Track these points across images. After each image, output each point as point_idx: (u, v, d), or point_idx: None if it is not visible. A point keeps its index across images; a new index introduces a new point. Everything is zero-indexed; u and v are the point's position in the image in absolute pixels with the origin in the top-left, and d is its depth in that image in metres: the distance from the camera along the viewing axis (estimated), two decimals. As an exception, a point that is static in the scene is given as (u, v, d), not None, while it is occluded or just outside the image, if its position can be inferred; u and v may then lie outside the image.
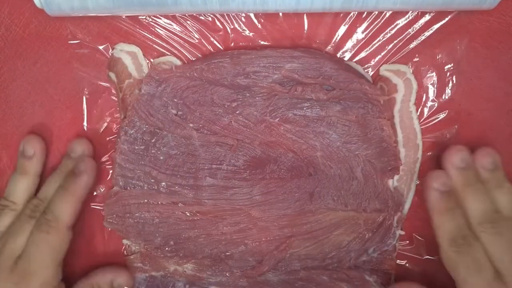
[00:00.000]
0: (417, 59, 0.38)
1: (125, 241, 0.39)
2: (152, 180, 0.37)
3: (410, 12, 0.38)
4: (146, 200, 0.37)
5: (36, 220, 0.34)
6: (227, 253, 0.37)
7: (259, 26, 0.38)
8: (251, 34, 0.38)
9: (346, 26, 0.38)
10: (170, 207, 0.37)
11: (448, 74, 0.38)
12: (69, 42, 0.38)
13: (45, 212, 0.35)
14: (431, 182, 0.34)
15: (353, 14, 0.38)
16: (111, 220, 0.37)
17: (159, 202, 0.37)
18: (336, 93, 0.36)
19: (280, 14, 0.38)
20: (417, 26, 0.38)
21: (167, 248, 0.37)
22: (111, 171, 0.39)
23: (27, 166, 0.37)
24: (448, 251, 0.33)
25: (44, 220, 0.34)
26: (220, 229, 0.37)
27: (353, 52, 0.38)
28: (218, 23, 0.38)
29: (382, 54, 0.38)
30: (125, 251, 0.39)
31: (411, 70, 0.38)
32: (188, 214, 0.37)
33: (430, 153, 0.38)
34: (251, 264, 0.38)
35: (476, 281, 0.32)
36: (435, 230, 0.34)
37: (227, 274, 0.38)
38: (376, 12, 0.38)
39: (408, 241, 0.39)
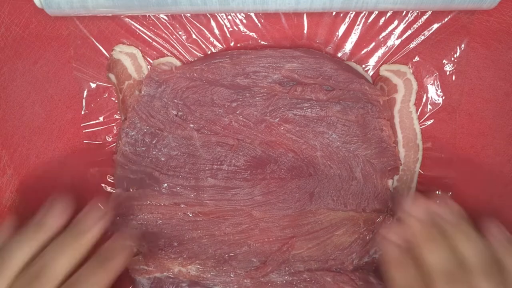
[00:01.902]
0: (417, 59, 0.38)
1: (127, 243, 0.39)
2: (153, 181, 0.37)
3: (410, 12, 0.38)
4: (148, 202, 0.37)
5: None
6: (231, 254, 0.38)
7: (259, 26, 0.38)
8: (251, 34, 0.38)
9: (346, 26, 0.38)
10: (173, 208, 0.37)
11: (448, 74, 0.38)
12: (69, 42, 0.38)
13: (73, 282, 0.31)
14: (387, 234, 0.34)
15: (353, 14, 0.38)
16: (115, 223, 0.37)
17: (162, 203, 0.37)
18: (336, 93, 0.37)
19: (281, 14, 0.38)
20: (417, 26, 0.38)
21: (171, 249, 0.37)
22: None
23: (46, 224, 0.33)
24: None
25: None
26: (223, 230, 0.37)
27: (353, 52, 0.38)
28: (218, 23, 0.38)
29: (382, 54, 0.38)
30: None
31: (411, 70, 0.38)
32: (190, 215, 0.37)
33: (429, 144, 0.38)
34: (255, 264, 0.38)
35: None
36: (390, 282, 0.33)
37: (231, 275, 0.38)
38: (376, 12, 0.38)
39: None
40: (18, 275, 0.31)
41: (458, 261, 0.31)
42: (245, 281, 0.38)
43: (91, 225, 0.33)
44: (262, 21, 0.38)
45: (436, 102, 0.38)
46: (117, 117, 0.39)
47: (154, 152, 0.37)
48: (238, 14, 0.38)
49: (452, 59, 0.38)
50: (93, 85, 0.38)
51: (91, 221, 0.33)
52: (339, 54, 0.38)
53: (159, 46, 0.38)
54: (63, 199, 0.34)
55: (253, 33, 0.38)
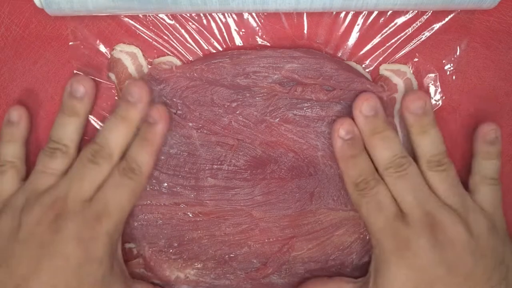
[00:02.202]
0: (417, 59, 0.38)
1: (127, 245, 0.39)
2: (153, 181, 0.37)
3: (410, 11, 0.38)
4: (149, 201, 0.37)
5: (117, 167, 0.34)
6: (231, 255, 0.37)
7: (259, 26, 0.38)
8: (251, 34, 0.38)
9: (346, 26, 0.38)
10: (173, 208, 0.37)
11: (448, 74, 0.38)
12: (69, 42, 0.38)
13: (126, 161, 0.34)
14: (336, 129, 0.35)
15: (353, 14, 0.38)
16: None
17: (162, 203, 0.37)
18: (336, 93, 0.36)
19: (281, 13, 0.38)
20: (417, 26, 0.38)
21: (171, 250, 0.37)
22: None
23: (77, 107, 0.35)
24: (353, 194, 0.35)
25: (128, 168, 0.34)
26: (223, 230, 0.37)
27: (353, 52, 0.38)
28: (218, 22, 0.38)
29: (382, 54, 0.38)
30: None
31: (411, 70, 0.38)
32: (190, 215, 0.37)
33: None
34: (255, 266, 0.38)
35: (376, 220, 0.33)
36: (342, 175, 0.35)
37: (231, 277, 0.38)
38: (376, 12, 0.38)
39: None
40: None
41: (402, 153, 0.34)
42: (245, 283, 0.38)
43: (136, 101, 0.34)
44: (262, 21, 0.38)
45: (436, 102, 0.38)
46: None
47: (153, 150, 0.37)
48: (238, 14, 0.38)
49: (452, 59, 0.38)
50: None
51: (136, 96, 0.34)
52: (339, 54, 0.38)
53: (159, 46, 0.38)
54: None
55: (253, 33, 0.38)
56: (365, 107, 0.34)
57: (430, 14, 0.38)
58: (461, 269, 0.32)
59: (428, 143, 0.34)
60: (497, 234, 0.34)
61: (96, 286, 0.32)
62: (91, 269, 0.32)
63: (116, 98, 0.38)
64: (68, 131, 0.35)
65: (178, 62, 0.38)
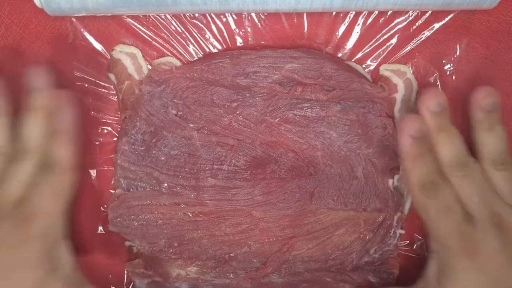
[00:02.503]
0: (417, 59, 0.38)
1: (127, 243, 0.39)
2: (154, 181, 0.37)
3: (410, 12, 0.38)
4: (149, 202, 0.37)
5: (36, 165, 0.32)
6: (231, 254, 0.37)
7: (259, 26, 0.38)
8: (251, 34, 0.38)
9: (346, 26, 0.38)
10: (173, 208, 0.37)
11: (448, 74, 0.38)
12: (69, 42, 0.38)
13: (42, 157, 0.32)
14: (404, 127, 0.33)
15: (353, 14, 0.38)
16: (116, 223, 0.37)
17: (162, 203, 0.37)
18: (336, 93, 0.36)
19: (281, 14, 0.38)
20: (417, 26, 0.38)
21: (171, 250, 0.37)
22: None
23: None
24: (418, 196, 0.33)
25: (44, 164, 0.32)
26: (223, 230, 0.37)
27: (353, 52, 0.38)
28: (218, 23, 0.38)
29: (382, 54, 0.38)
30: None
31: (411, 70, 0.38)
32: (190, 215, 0.37)
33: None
34: (255, 265, 0.38)
35: (445, 223, 0.32)
36: (406, 175, 0.34)
37: (231, 276, 0.38)
38: (376, 12, 0.38)
39: (408, 241, 0.39)
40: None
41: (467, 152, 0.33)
42: (245, 282, 0.38)
43: (39, 85, 0.33)
44: (262, 21, 0.38)
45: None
46: (117, 117, 0.39)
47: (153, 152, 0.37)
48: (238, 14, 0.38)
49: (452, 59, 0.38)
50: (93, 85, 0.38)
51: (36, 81, 0.33)
52: (339, 54, 0.38)
53: (159, 46, 0.38)
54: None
55: (253, 33, 0.38)
56: (432, 103, 0.33)
57: (430, 14, 0.38)
58: None
59: (494, 141, 0.33)
60: None
61: None
62: (24, 274, 0.31)
63: (115, 98, 0.38)
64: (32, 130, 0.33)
65: (178, 63, 0.38)
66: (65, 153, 0.33)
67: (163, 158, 0.37)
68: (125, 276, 0.39)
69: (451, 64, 0.38)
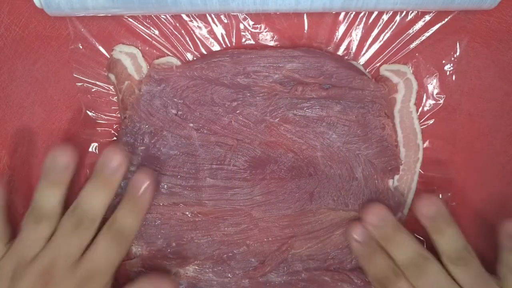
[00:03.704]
0: (417, 59, 0.38)
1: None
2: (152, 181, 0.37)
3: (410, 12, 0.38)
4: (147, 202, 0.37)
5: (107, 228, 0.34)
6: (229, 254, 0.37)
7: (259, 26, 0.38)
8: (251, 34, 0.38)
9: (346, 26, 0.38)
10: (171, 208, 0.37)
11: (448, 74, 0.38)
12: (69, 42, 0.38)
13: (117, 223, 0.35)
14: (350, 233, 0.36)
15: (353, 14, 0.38)
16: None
17: (160, 203, 0.37)
18: (336, 90, 0.36)
19: (281, 14, 0.38)
20: (417, 26, 0.38)
21: (169, 250, 0.37)
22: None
23: (62, 176, 0.35)
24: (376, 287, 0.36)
25: (119, 232, 0.34)
26: (222, 230, 0.37)
27: (353, 52, 0.38)
28: (218, 23, 0.38)
29: (382, 54, 0.38)
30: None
31: (411, 70, 0.38)
32: (189, 215, 0.37)
33: (429, 143, 0.38)
34: (253, 265, 0.38)
35: None
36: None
37: (229, 275, 0.38)
38: (376, 12, 0.38)
39: (408, 241, 0.39)
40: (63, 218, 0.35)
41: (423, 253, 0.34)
42: (243, 281, 0.38)
43: (116, 167, 0.34)
44: (262, 21, 0.38)
45: (436, 102, 0.38)
46: (117, 117, 0.39)
47: (153, 152, 0.37)
48: (238, 14, 0.38)
49: (452, 59, 0.38)
50: (92, 85, 0.38)
51: (115, 162, 0.34)
52: (339, 54, 0.38)
53: (159, 46, 0.38)
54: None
55: (254, 33, 0.38)
56: (370, 218, 0.35)
57: (430, 14, 0.38)
58: None
59: (446, 241, 0.34)
60: None
61: None
62: None
63: (115, 99, 0.38)
64: (51, 199, 0.35)
65: (178, 63, 0.38)
66: (138, 226, 0.36)
67: (162, 158, 0.37)
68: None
69: (451, 64, 0.38)
